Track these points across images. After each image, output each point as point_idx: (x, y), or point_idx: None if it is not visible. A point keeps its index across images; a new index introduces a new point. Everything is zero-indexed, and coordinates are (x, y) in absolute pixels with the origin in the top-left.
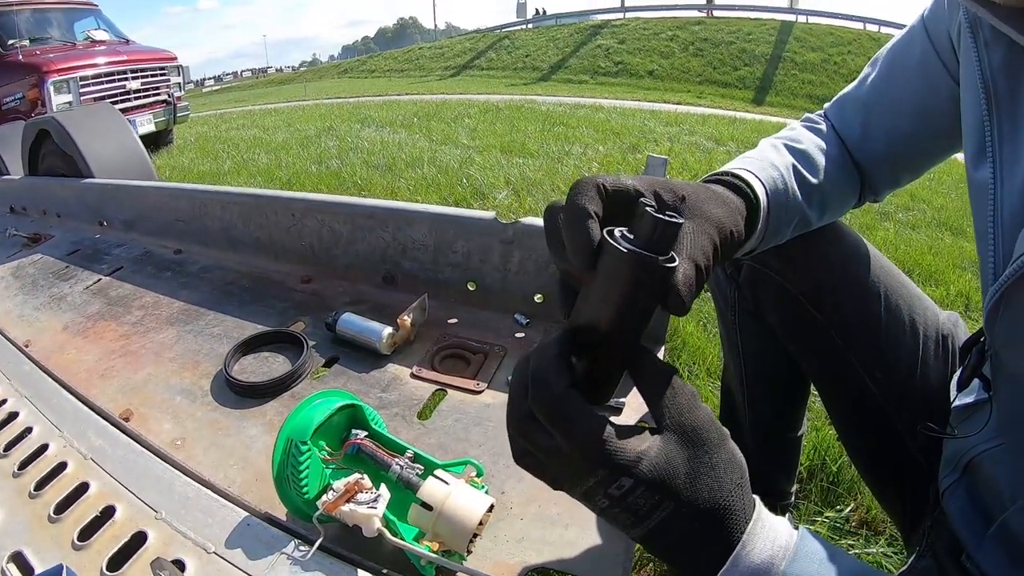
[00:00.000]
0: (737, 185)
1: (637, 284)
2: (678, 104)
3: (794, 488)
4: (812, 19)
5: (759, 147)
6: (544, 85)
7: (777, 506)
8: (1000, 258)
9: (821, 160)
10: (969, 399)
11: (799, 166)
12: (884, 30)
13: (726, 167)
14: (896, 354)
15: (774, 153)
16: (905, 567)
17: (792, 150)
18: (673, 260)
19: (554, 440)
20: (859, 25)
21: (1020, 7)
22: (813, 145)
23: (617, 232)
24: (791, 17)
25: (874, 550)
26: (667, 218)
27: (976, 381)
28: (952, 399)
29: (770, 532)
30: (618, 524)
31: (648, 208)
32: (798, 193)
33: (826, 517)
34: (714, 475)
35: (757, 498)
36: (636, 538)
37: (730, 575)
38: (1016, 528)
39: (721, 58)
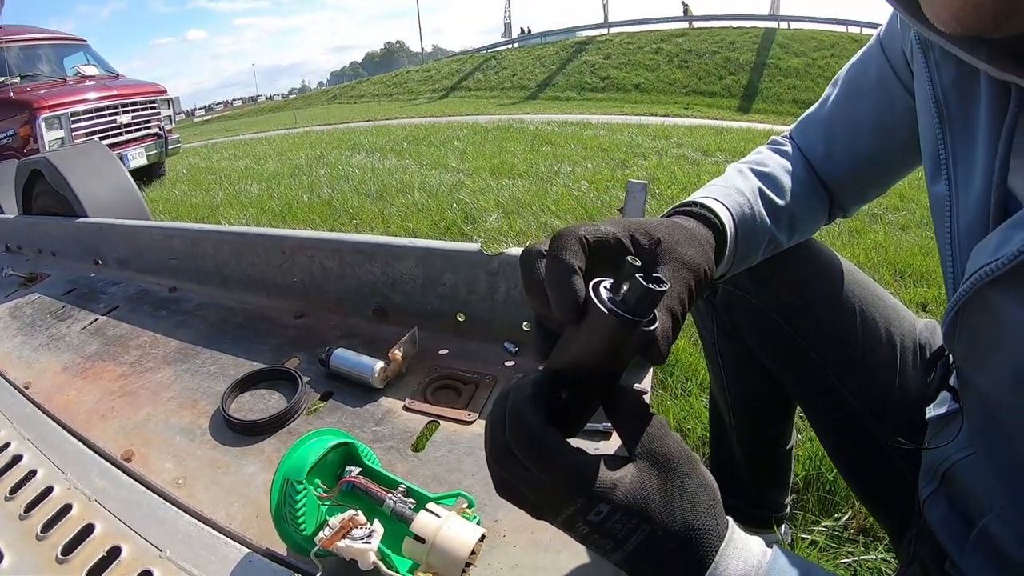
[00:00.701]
0: (704, 215)
1: (621, 343)
2: (665, 116)
3: (788, 500)
4: (794, 25)
5: (725, 173)
6: (532, 103)
7: (772, 518)
8: (959, 273)
9: (787, 181)
10: (943, 409)
11: (765, 189)
12: (866, 31)
13: (693, 196)
14: (874, 367)
15: (740, 179)
16: (895, 575)
17: (758, 174)
18: (655, 321)
19: (532, 472)
20: (841, 28)
21: (967, 36)
22: (779, 167)
23: (603, 291)
24: (773, 24)
25: (873, 556)
26: (655, 288)
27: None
28: (927, 410)
29: (742, 552)
30: (598, 550)
31: (638, 276)
32: (766, 217)
33: (824, 526)
34: (686, 498)
35: (730, 519)
36: (616, 563)
37: None
38: (995, 534)
39: (706, 68)
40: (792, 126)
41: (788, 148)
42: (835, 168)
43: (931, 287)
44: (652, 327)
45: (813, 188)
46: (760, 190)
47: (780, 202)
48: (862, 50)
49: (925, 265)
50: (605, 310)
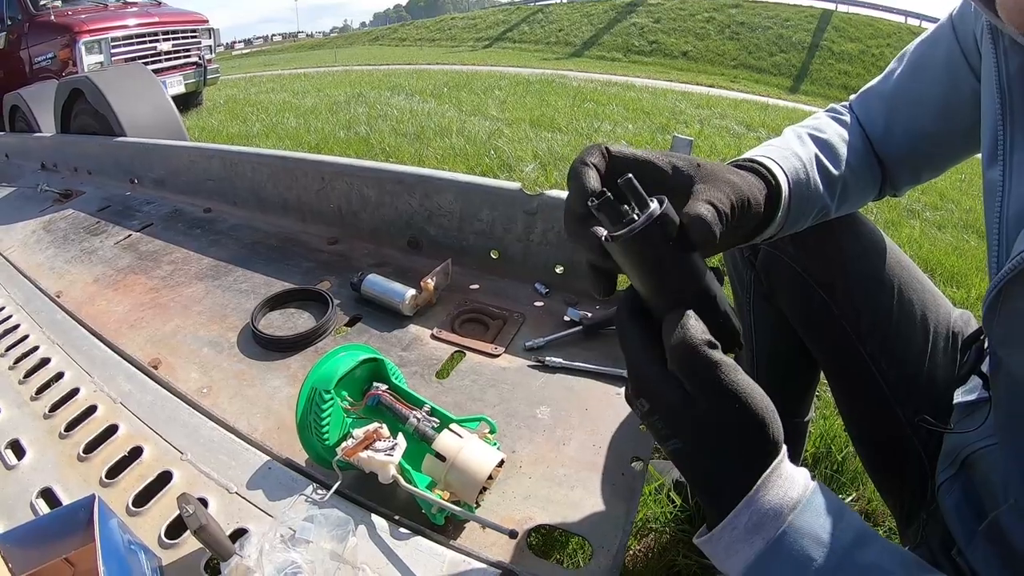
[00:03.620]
0: (759, 171)
1: (643, 254)
2: (711, 87)
3: None
4: (852, 9)
5: (784, 135)
6: (576, 60)
7: None
8: (1003, 257)
9: (844, 151)
10: (972, 397)
11: (822, 157)
12: (925, 24)
13: (749, 154)
14: (905, 347)
15: (798, 143)
16: None
17: (816, 140)
18: (650, 209)
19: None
20: (900, 18)
21: None
22: (837, 136)
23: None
24: (831, 6)
25: None
26: (619, 188)
27: (979, 380)
28: (954, 395)
29: (786, 481)
30: (655, 431)
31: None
32: (820, 184)
33: None
34: (738, 425)
35: (784, 448)
36: (670, 450)
37: (741, 514)
38: (1006, 526)
39: (757, 43)
40: (853, 96)
41: (847, 118)
42: (893, 145)
43: (960, 288)
44: (652, 213)
45: (868, 161)
46: (817, 157)
47: (835, 172)
48: (932, 28)
49: (957, 266)
50: (609, 241)
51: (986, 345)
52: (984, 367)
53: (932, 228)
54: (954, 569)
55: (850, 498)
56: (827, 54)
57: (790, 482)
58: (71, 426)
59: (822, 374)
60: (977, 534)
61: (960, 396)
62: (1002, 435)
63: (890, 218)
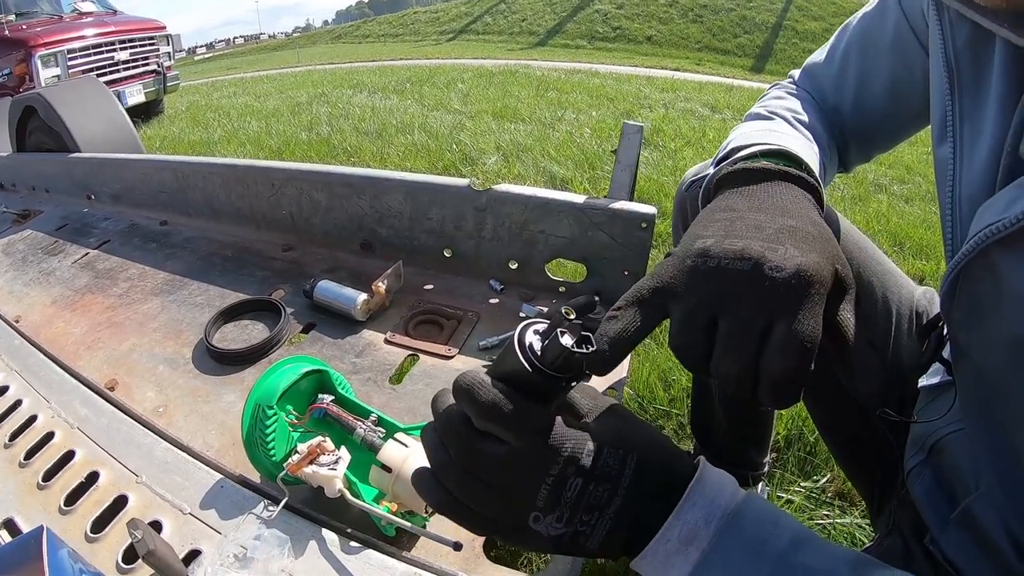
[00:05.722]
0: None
1: (544, 389)
2: (676, 71)
3: (767, 459)
4: None
5: (781, 126)
6: (540, 50)
7: (749, 476)
8: (958, 238)
9: (824, 138)
10: (936, 379)
11: (817, 150)
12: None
13: (790, 148)
14: (869, 332)
15: (804, 141)
16: (871, 543)
17: (809, 128)
18: (580, 378)
19: (506, 444)
20: None
21: (994, 7)
22: (817, 122)
23: (532, 335)
24: None
25: (848, 520)
26: (578, 351)
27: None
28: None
29: (712, 488)
30: (592, 511)
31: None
32: (821, 178)
33: (802, 486)
34: (648, 427)
35: (703, 458)
36: (611, 517)
37: (672, 527)
38: (978, 514)
39: (721, 25)
40: (797, 73)
41: (807, 97)
42: (842, 125)
43: (930, 260)
44: (574, 383)
45: (830, 145)
46: (818, 153)
47: (825, 162)
48: (874, 3)
49: (926, 238)
50: (522, 357)
51: (945, 331)
52: (946, 353)
53: (900, 201)
54: (926, 556)
55: (824, 479)
56: (791, 33)
57: (716, 489)
58: (30, 454)
59: None
60: (950, 522)
61: (925, 379)
62: (968, 421)
63: (857, 193)
